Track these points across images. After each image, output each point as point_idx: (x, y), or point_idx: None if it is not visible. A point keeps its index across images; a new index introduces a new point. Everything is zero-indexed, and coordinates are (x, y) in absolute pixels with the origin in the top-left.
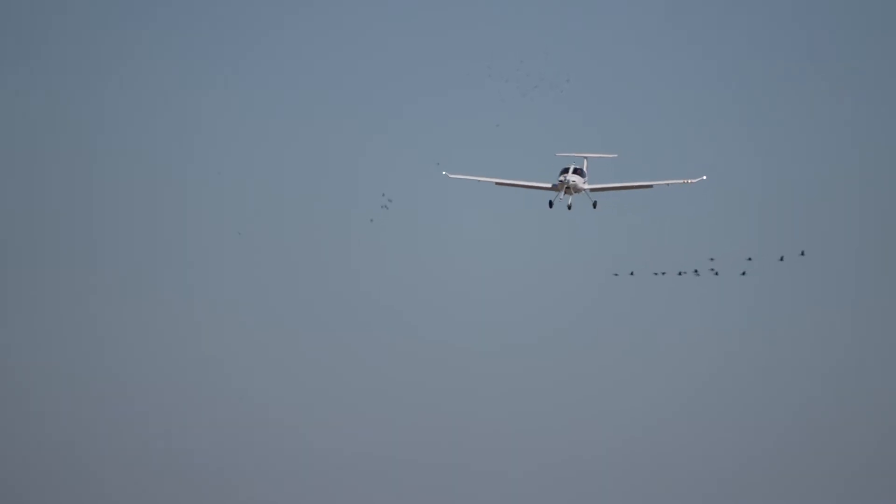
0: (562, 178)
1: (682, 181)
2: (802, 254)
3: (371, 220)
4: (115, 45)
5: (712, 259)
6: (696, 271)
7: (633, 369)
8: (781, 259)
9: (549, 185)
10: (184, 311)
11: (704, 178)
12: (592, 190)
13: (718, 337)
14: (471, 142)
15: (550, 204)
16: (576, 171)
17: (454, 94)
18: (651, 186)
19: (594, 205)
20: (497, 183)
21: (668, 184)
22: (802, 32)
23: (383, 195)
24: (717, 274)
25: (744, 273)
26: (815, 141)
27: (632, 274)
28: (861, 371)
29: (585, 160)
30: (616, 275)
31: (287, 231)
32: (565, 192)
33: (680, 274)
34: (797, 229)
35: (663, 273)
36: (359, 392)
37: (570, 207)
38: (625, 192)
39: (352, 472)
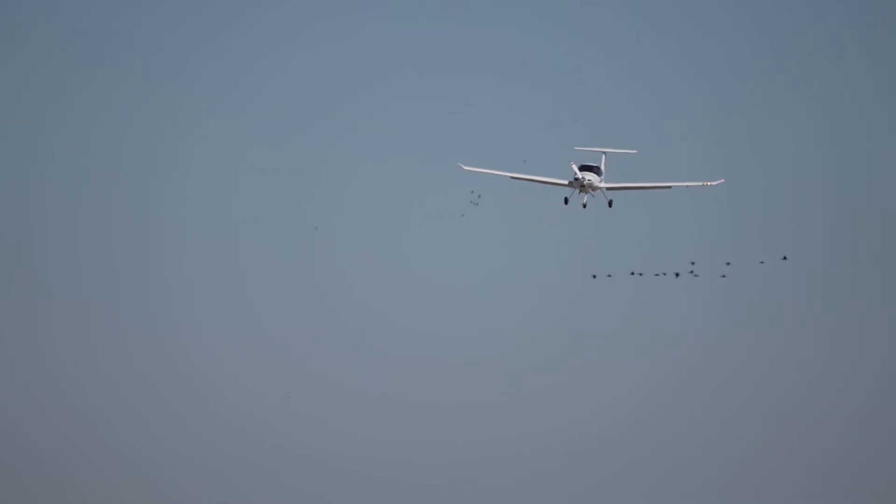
0: (577, 176)
1: (700, 183)
2: (784, 258)
3: (462, 216)
4: (91, 47)
5: (693, 263)
6: (676, 274)
7: (617, 371)
8: (762, 263)
9: (566, 182)
10: (178, 316)
11: (723, 181)
12: (609, 189)
13: (700, 338)
14: (489, 134)
15: (566, 201)
16: (592, 169)
17: (472, 89)
18: (669, 188)
19: (609, 203)
20: (512, 177)
21: (686, 185)
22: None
23: (472, 192)
24: (696, 276)
25: (724, 276)
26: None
27: (609, 276)
28: (839, 372)
29: (604, 155)
30: (594, 276)
31: (279, 238)
32: (580, 191)
33: (657, 275)
34: (797, 232)
35: (640, 274)
36: (357, 397)
37: (584, 206)
38: (641, 192)
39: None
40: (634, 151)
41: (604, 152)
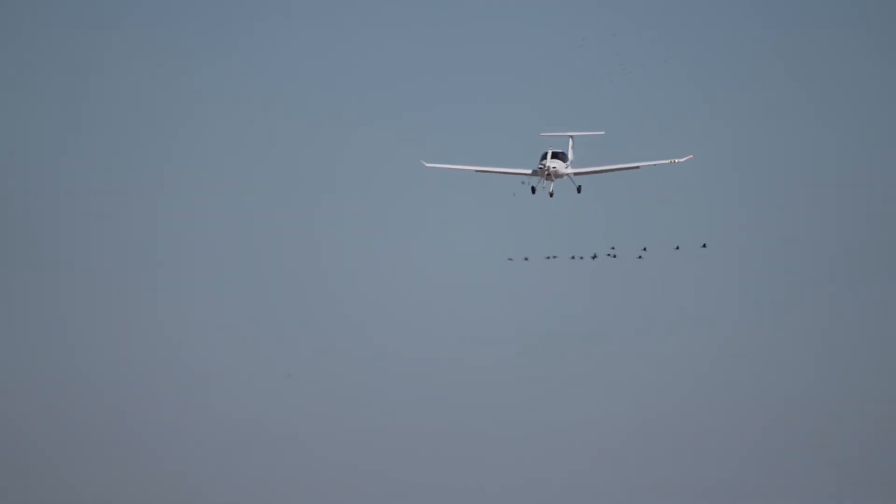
0: (542, 164)
1: (668, 161)
2: (704, 246)
3: (513, 195)
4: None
5: (613, 248)
6: (593, 256)
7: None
8: (677, 248)
9: (530, 172)
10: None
11: (692, 156)
12: (576, 174)
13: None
14: (451, 127)
15: (533, 190)
16: (556, 156)
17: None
18: (638, 167)
19: (578, 189)
20: (477, 171)
21: (654, 164)
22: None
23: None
24: (615, 257)
25: (640, 257)
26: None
27: (526, 259)
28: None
29: (571, 139)
30: (510, 259)
31: (258, 228)
32: (546, 179)
33: (573, 258)
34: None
35: (554, 257)
36: (327, 396)
37: (551, 195)
38: (610, 174)
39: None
40: (602, 133)
41: (570, 136)
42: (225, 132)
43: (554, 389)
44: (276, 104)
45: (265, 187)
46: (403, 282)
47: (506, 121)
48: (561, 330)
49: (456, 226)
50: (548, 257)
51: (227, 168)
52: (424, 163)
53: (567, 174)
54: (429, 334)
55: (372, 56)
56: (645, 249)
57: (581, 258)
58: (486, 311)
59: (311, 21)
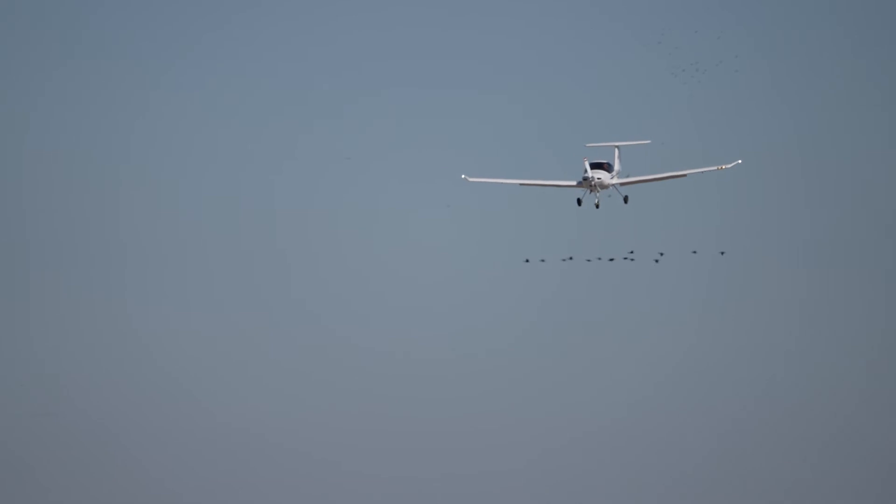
0: (586, 175)
1: (716, 167)
2: (722, 253)
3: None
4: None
5: (632, 252)
6: (611, 259)
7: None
8: (694, 252)
9: (575, 183)
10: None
11: (739, 161)
12: (622, 184)
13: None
14: (494, 141)
15: (579, 202)
16: (601, 167)
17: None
18: (685, 175)
19: (625, 200)
20: (521, 184)
21: (702, 171)
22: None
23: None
24: (633, 260)
25: (657, 261)
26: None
27: (542, 261)
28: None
29: (617, 149)
30: (527, 261)
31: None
32: (591, 190)
33: (589, 261)
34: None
35: (570, 258)
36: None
37: (597, 206)
38: (657, 184)
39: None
40: (648, 141)
41: (616, 146)
42: (257, 143)
43: (566, 389)
44: (307, 117)
45: (296, 199)
46: (420, 282)
47: (550, 131)
48: (574, 330)
49: (475, 226)
50: (564, 259)
51: (254, 180)
52: (466, 177)
53: (612, 184)
54: (444, 334)
55: (406, 68)
56: (662, 254)
57: (598, 259)
58: (502, 312)
59: (346, 30)
